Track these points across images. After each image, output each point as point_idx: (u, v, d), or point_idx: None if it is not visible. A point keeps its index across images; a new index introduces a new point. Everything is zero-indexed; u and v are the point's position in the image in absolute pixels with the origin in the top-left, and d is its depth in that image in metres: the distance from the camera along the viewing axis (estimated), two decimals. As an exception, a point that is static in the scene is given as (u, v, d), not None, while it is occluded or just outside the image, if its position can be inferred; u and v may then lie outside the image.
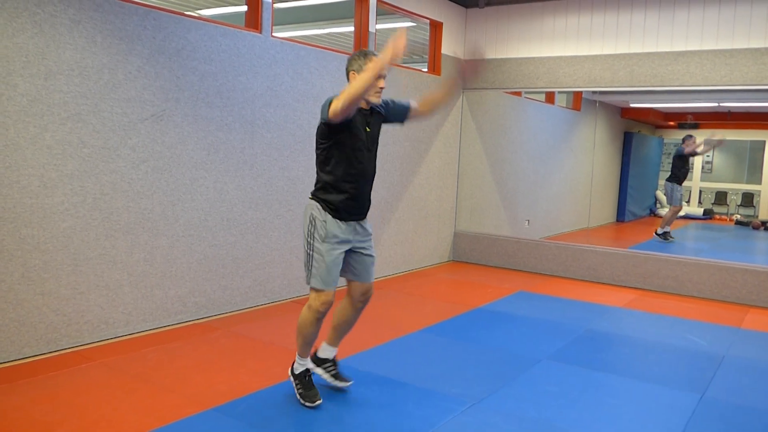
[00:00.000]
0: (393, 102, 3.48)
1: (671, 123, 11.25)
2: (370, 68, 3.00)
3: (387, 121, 3.49)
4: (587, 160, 9.79)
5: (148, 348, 4.11)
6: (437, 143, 7.32)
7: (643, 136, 11.20)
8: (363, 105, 3.28)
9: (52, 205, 3.82)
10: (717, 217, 11.07)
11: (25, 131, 3.65)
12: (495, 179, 8.46)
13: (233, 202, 4.93)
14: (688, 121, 10.77)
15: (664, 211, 9.58)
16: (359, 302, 3.47)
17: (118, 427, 2.99)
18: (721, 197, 11.06)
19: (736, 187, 10.96)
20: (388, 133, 6.47)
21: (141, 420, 3.06)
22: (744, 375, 4.12)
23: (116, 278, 4.20)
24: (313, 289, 3.28)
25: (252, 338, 4.42)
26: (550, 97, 9.30)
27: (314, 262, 3.24)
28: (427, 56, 7.43)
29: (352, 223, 3.31)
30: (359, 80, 3.00)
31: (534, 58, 7.14)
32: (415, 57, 10.14)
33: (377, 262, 3.63)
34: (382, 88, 3.22)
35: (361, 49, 3.35)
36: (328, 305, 3.26)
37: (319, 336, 3.43)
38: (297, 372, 3.37)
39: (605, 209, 10.68)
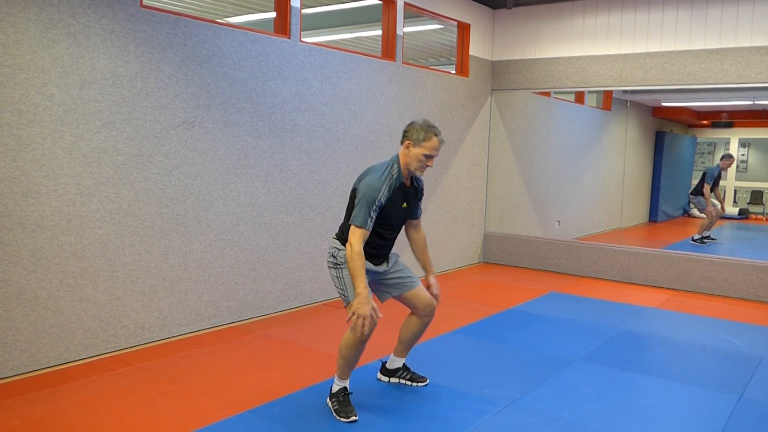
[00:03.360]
0: (420, 196, 3.50)
1: (704, 122, 11.06)
2: (356, 301, 3.02)
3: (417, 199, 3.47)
4: (618, 160, 9.67)
5: (183, 352, 4.17)
6: (466, 144, 7.31)
7: (675, 135, 11.03)
8: (407, 182, 3.30)
9: (89, 213, 3.90)
10: (753, 216, 10.85)
11: (62, 140, 3.73)
12: (524, 180, 8.41)
13: (264, 207, 4.98)
14: (722, 120, 10.57)
15: (697, 212, 9.37)
16: (425, 315, 3.53)
17: (157, 429, 3.04)
18: (756, 196, 10.83)
19: (773, 186, 10.73)
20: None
21: (179, 423, 3.11)
22: (784, 376, 4.03)
23: (151, 283, 4.27)
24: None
25: (285, 341, 4.45)
26: (579, 97, 9.22)
27: (345, 279, 3.24)
28: (454, 58, 7.42)
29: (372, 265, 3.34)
30: (352, 270, 3.05)
31: (563, 57, 7.09)
32: (442, 59, 10.14)
33: (408, 264, 3.65)
34: (428, 166, 3.26)
35: (426, 120, 3.25)
36: (371, 326, 3.12)
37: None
38: (333, 391, 3.30)
39: (637, 210, 10.53)
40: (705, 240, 8.91)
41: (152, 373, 3.77)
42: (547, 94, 8.53)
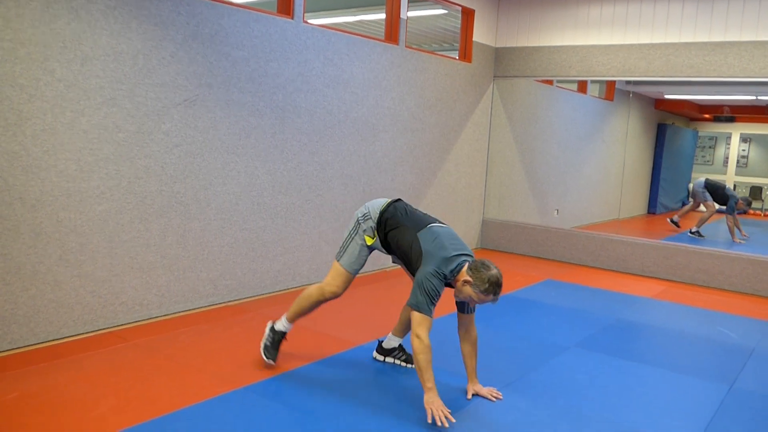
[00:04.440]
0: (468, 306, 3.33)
1: (706, 116, 11.05)
2: (428, 396, 2.99)
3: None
4: (619, 151, 9.66)
5: (180, 329, 4.19)
6: (467, 130, 7.30)
7: (677, 128, 11.02)
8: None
9: (89, 189, 3.90)
10: (751, 211, 10.86)
11: (62, 116, 3.73)
12: (524, 168, 8.42)
13: (263, 187, 4.99)
14: (724, 114, 10.57)
15: (701, 207, 9.36)
16: None
17: (153, 404, 3.07)
18: (756, 192, 10.84)
19: (771, 183, 10.74)
20: (417, 119, 6.48)
21: (175, 398, 3.14)
22: (776, 367, 4.07)
23: (150, 261, 4.29)
24: (335, 268, 3.45)
25: (281, 322, 4.48)
26: (582, 87, 9.20)
27: (352, 244, 3.41)
28: (458, 44, 7.40)
29: None
30: (421, 362, 2.99)
31: (567, 46, 7.07)
32: (445, 45, 10.11)
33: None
34: (470, 305, 3.24)
35: (499, 277, 3.04)
36: (335, 296, 3.47)
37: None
38: (276, 328, 3.63)
39: (636, 201, 10.54)
40: (702, 235, 8.93)
41: (149, 350, 3.79)
42: (550, 82, 8.51)
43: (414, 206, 3.52)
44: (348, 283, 3.44)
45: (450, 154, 7.07)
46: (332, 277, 3.45)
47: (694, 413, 3.30)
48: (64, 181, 3.78)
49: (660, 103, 10.47)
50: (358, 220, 3.42)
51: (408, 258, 3.22)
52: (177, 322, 4.34)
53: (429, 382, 2.99)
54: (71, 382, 3.28)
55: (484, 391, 3.36)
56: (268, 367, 3.61)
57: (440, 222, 3.33)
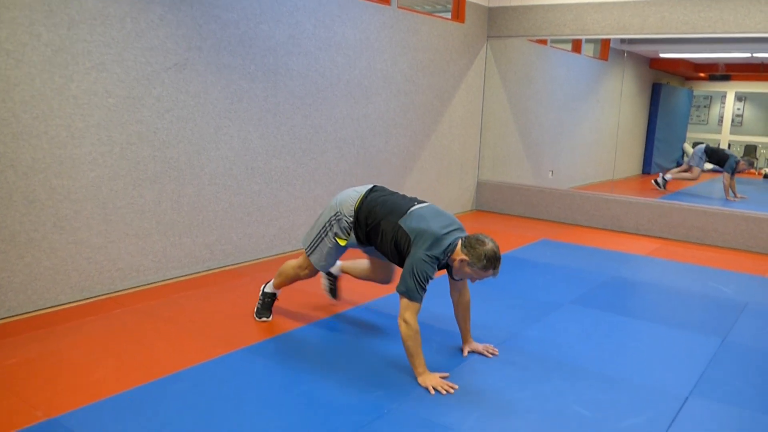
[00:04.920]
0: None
1: (702, 74, 10.98)
2: (421, 379, 2.98)
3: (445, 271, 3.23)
4: (613, 112, 9.62)
5: (178, 294, 4.21)
6: (461, 92, 7.25)
7: (672, 87, 10.96)
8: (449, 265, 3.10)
9: (80, 155, 3.88)
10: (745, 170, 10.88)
11: (51, 81, 3.69)
12: (518, 129, 8.38)
13: (257, 151, 4.96)
14: (719, 73, 10.51)
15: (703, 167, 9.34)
16: (380, 282, 3.77)
17: (153, 367, 3.09)
18: (750, 150, 10.84)
19: (766, 141, 10.72)
20: (410, 81, 6.43)
21: (174, 360, 3.16)
22: (766, 321, 4.11)
23: (145, 227, 4.29)
24: (305, 259, 3.55)
25: (278, 285, 4.50)
26: (576, 46, 9.12)
27: (321, 245, 3.42)
28: (451, 5, 7.31)
29: None
30: (411, 348, 2.98)
31: (561, 4, 6.99)
32: (438, 7, 9.98)
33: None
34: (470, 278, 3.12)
35: (496, 252, 2.94)
36: (309, 277, 3.66)
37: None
38: (267, 291, 3.79)
39: (631, 161, 10.54)
40: (664, 188, 8.94)
41: (147, 314, 3.81)
42: (544, 42, 8.43)
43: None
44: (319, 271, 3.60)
45: (444, 116, 7.04)
46: (305, 265, 3.57)
47: (687, 366, 3.35)
48: (55, 147, 3.75)
49: (655, 63, 10.40)
50: (330, 220, 3.33)
51: (398, 249, 3.11)
52: (174, 287, 4.36)
53: (420, 367, 2.99)
54: (71, 347, 3.31)
55: (480, 347, 3.39)
56: (265, 327, 3.63)
57: (419, 202, 3.22)
